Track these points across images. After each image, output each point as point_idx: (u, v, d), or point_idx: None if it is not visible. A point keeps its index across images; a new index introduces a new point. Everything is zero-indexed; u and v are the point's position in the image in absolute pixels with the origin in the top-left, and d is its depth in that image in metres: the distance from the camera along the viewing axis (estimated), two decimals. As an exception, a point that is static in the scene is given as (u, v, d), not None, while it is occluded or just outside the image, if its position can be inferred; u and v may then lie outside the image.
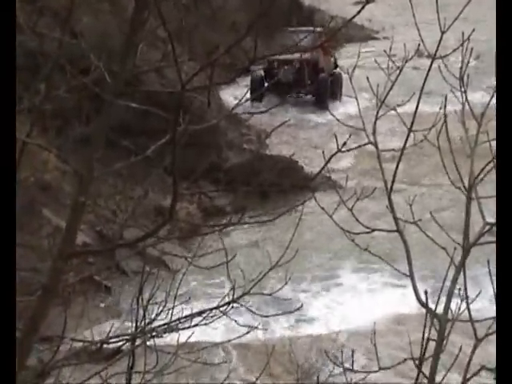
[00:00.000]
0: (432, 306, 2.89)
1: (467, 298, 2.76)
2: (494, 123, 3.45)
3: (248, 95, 15.12)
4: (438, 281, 12.61)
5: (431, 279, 12.72)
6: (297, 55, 21.74)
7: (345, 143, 3.60)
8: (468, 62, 3.16)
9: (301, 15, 29.21)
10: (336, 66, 24.97)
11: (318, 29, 21.25)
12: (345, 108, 22.01)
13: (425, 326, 2.75)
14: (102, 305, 14.20)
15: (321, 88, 24.10)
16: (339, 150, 3.53)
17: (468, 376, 2.77)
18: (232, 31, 22.63)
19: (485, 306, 3.21)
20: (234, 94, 21.48)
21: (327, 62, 25.04)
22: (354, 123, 3.82)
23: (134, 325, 4.16)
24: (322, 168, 3.77)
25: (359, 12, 3.58)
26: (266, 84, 22.87)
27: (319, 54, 24.09)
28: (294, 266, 4.99)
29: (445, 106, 3.10)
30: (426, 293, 2.81)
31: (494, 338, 2.78)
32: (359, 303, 13.87)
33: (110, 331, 4.63)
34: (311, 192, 10.95)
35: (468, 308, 2.78)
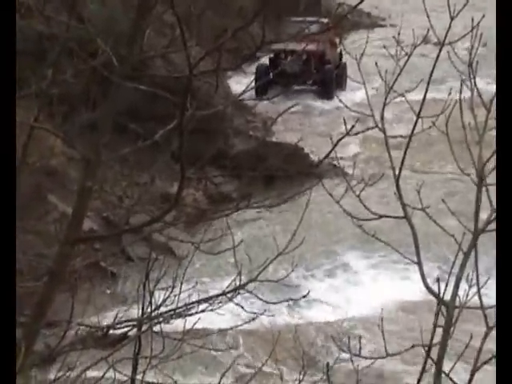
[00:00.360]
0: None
1: (478, 284, 2.74)
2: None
3: (253, 84, 15.03)
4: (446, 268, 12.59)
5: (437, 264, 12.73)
6: (304, 46, 21.80)
7: (353, 126, 3.58)
8: (477, 49, 3.13)
9: (308, 1, 29.07)
10: (341, 58, 24.79)
11: (325, 20, 21.07)
12: (350, 95, 21.93)
13: (436, 314, 2.73)
14: (108, 291, 14.22)
15: (327, 79, 23.82)
16: (347, 134, 3.51)
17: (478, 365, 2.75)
18: (239, 17, 22.55)
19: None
20: (241, 82, 21.42)
21: (333, 53, 24.78)
22: (360, 110, 3.80)
23: (141, 311, 4.16)
24: (330, 152, 3.76)
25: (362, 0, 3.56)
26: (271, 74, 22.71)
27: (326, 45, 23.82)
28: (303, 253, 4.97)
29: (460, 92, 3.07)
30: (437, 280, 2.79)
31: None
32: (365, 289, 13.88)
33: (116, 317, 4.64)
34: (317, 178, 10.91)
35: (479, 294, 2.76)
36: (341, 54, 24.94)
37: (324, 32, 22.37)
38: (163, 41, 13.83)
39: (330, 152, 3.63)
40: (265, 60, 23.42)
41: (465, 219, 3.16)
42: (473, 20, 3.30)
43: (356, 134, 3.44)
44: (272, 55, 23.68)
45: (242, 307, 4.45)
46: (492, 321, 2.71)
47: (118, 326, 4.22)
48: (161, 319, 4.10)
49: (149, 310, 4.18)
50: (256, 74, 21.83)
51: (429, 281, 2.92)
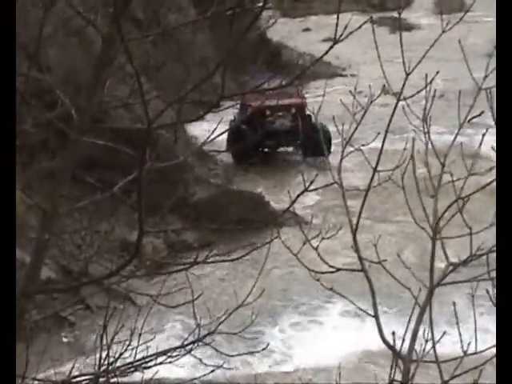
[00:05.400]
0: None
1: (433, 338, 2.76)
2: (458, 162, 3.49)
3: (218, 130, 14.71)
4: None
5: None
6: (288, 100, 19.61)
7: (312, 182, 3.63)
8: (431, 104, 3.20)
9: (268, 52, 29.43)
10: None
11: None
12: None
13: (392, 367, 2.74)
14: (66, 340, 14.00)
15: (317, 135, 20.85)
16: (306, 190, 3.55)
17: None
18: (201, 67, 22.71)
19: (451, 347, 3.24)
20: (204, 128, 21.45)
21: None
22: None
23: (98, 363, 4.11)
24: (290, 206, 3.79)
25: (327, 51, 3.63)
26: (255, 136, 19.77)
27: (302, 98, 21.13)
28: (263, 303, 4.97)
29: (413, 147, 3.13)
30: (393, 334, 2.81)
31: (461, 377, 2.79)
32: (326, 338, 13.84)
33: (71, 370, 4.57)
34: (277, 228, 10.95)
35: (434, 348, 2.78)
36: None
37: (292, 82, 21.96)
38: (124, 88, 13.88)
39: (290, 206, 3.67)
40: (230, 109, 22.54)
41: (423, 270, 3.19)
42: (427, 76, 3.37)
43: (315, 189, 3.48)
44: (247, 113, 20.76)
45: (201, 360, 4.42)
46: (448, 374, 2.73)
47: (74, 380, 4.16)
48: (117, 373, 4.05)
49: (106, 362, 4.12)
50: (231, 138, 19.44)
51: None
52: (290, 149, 21.42)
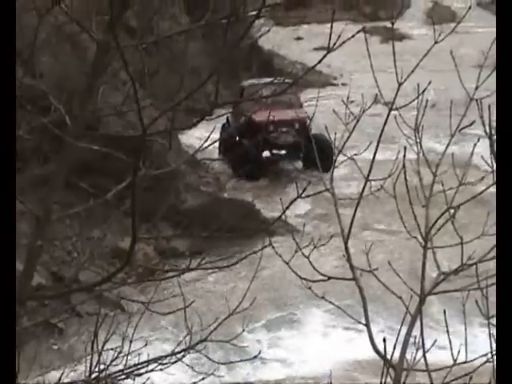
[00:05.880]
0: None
1: (424, 346, 2.78)
2: (450, 172, 3.52)
3: (212, 138, 14.49)
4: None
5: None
6: (291, 114, 18.76)
7: (304, 189, 3.66)
8: (423, 114, 3.23)
9: (260, 60, 29.49)
10: None
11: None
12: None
13: (383, 376, 2.76)
14: (55, 347, 13.96)
15: (325, 148, 18.59)
16: (299, 196, 3.57)
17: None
18: (193, 74, 22.71)
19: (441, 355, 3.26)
20: (196, 136, 21.42)
21: None
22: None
23: (89, 370, 4.11)
24: (282, 214, 3.81)
25: (321, 60, 3.66)
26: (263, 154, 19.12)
27: (303, 110, 20.26)
28: (255, 311, 4.98)
29: (404, 156, 3.16)
30: (384, 341, 2.82)
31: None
32: (317, 347, 13.83)
33: (61, 377, 4.56)
34: (268, 236, 10.97)
35: (424, 357, 2.80)
36: None
37: (287, 90, 21.69)
38: (117, 95, 13.88)
39: (283, 214, 3.69)
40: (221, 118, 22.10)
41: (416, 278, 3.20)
42: (418, 86, 3.40)
43: (307, 196, 3.51)
44: (245, 127, 19.80)
45: (192, 367, 4.42)
46: (438, 382, 2.75)
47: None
48: (108, 380, 4.05)
49: (97, 369, 4.12)
50: (226, 146, 19.32)
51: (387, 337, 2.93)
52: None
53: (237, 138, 20.50)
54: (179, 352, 4.05)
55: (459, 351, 2.95)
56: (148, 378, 4.34)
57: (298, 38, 37.77)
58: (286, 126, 19.48)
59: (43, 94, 4.46)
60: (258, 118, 19.18)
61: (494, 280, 2.83)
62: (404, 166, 3.13)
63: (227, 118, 21.06)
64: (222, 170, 21.39)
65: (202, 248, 15.81)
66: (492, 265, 2.96)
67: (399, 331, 2.91)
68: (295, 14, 39.86)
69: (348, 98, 3.76)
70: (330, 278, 3.16)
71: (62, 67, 16.12)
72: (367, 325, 2.99)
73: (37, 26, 3.98)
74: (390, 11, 37.27)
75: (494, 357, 2.70)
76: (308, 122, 19.33)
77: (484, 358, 2.87)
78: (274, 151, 19.73)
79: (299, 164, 20.23)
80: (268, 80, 18.30)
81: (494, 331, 2.73)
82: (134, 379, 4.13)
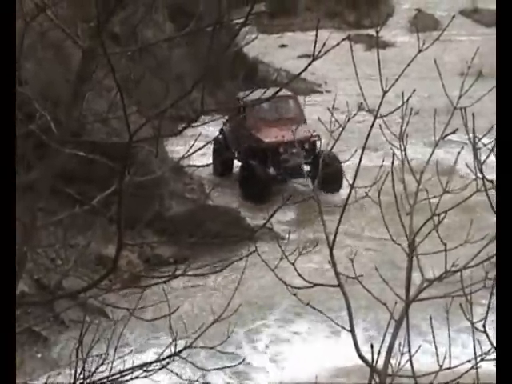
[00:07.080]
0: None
1: (410, 352, 2.79)
2: (434, 180, 3.55)
3: (196, 145, 14.31)
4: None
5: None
6: (300, 133, 17.54)
7: (290, 197, 3.68)
8: (408, 123, 3.25)
9: (244, 67, 29.51)
10: None
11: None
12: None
13: (369, 382, 2.77)
14: (39, 355, 13.89)
15: (336, 167, 16.06)
16: (284, 204, 3.59)
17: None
18: (177, 81, 22.68)
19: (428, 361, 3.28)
20: (180, 144, 21.38)
21: None
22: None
23: (73, 378, 4.10)
24: (267, 221, 3.82)
25: (306, 68, 3.68)
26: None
27: (307, 127, 18.50)
28: (239, 317, 4.98)
29: (392, 163, 3.18)
30: (371, 347, 2.84)
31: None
32: (300, 354, 13.84)
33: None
34: (253, 243, 10.99)
35: (411, 362, 2.81)
36: None
37: (274, 96, 21.43)
38: (101, 102, 13.86)
39: (268, 221, 3.70)
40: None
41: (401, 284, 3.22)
42: (403, 94, 3.43)
43: (295, 203, 3.53)
44: (252, 147, 19.05)
45: (177, 374, 4.42)
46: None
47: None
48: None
49: (82, 376, 4.11)
50: (215, 153, 19.07)
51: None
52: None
53: (236, 155, 20.01)
54: (164, 359, 4.05)
55: (445, 357, 2.97)
56: (133, 385, 4.34)
57: (283, 46, 37.85)
58: (295, 147, 18.54)
59: (28, 100, 4.45)
60: (267, 139, 18.85)
61: (478, 286, 2.86)
62: (392, 174, 3.15)
63: (221, 131, 20.38)
64: (206, 177, 21.39)
65: (187, 255, 15.80)
66: (476, 271, 2.99)
67: (383, 337, 2.92)
68: (280, 21, 39.95)
69: (333, 106, 3.79)
70: (315, 284, 3.18)
71: (47, 74, 16.08)
72: (352, 331, 3.01)
73: (22, 32, 3.97)
74: (373, 19, 37.44)
75: (480, 363, 2.72)
76: (317, 140, 18.34)
77: (469, 364, 2.89)
78: (282, 171, 19.03)
79: (307, 182, 18.76)
80: (263, 90, 17.72)
81: (478, 336, 2.76)
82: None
